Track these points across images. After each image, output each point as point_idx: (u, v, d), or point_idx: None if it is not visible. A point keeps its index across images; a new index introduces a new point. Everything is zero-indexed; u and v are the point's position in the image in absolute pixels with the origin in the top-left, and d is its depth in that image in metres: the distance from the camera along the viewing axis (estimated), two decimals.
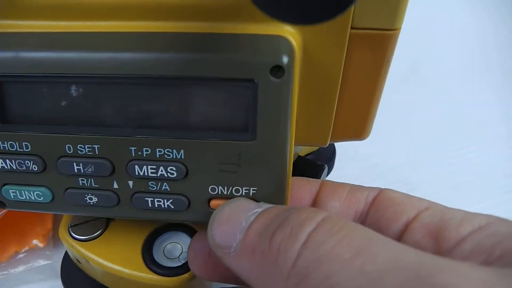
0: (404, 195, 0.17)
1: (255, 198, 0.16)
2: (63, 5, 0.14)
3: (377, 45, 0.15)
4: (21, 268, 0.27)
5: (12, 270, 0.27)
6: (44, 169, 0.16)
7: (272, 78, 0.14)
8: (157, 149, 0.15)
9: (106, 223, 0.22)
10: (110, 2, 0.14)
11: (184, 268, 0.21)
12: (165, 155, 0.15)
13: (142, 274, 0.21)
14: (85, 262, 0.22)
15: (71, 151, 0.16)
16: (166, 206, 0.16)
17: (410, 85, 0.41)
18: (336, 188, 0.18)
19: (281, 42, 0.14)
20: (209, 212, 0.16)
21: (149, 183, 0.16)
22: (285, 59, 0.13)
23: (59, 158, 0.16)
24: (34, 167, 0.16)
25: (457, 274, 0.11)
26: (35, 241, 0.28)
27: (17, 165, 0.16)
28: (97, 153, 0.16)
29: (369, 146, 0.24)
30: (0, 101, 0.15)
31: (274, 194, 0.16)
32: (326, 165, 0.28)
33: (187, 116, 0.15)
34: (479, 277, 0.11)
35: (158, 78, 0.14)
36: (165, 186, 0.16)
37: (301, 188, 0.19)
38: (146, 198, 0.16)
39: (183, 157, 0.15)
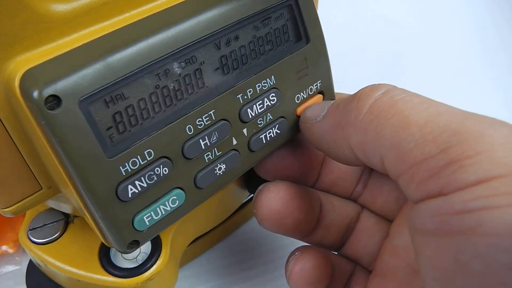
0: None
1: (322, 90, 0.20)
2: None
3: None
4: None
5: None
6: (172, 167, 0.16)
7: None
8: (257, 85, 0.18)
9: (64, 226, 0.22)
10: None
11: (142, 268, 0.21)
12: (263, 87, 0.18)
13: (98, 276, 0.20)
14: (44, 265, 0.22)
15: (192, 131, 0.17)
16: (275, 134, 0.19)
17: (394, 72, 0.41)
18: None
19: None
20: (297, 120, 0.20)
21: (258, 120, 0.18)
22: None
23: (183, 145, 0.16)
24: (165, 170, 0.16)
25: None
26: (4, 247, 0.28)
27: (147, 179, 0.16)
28: (214, 118, 0.17)
29: None
30: (109, 119, 0.14)
31: (330, 82, 0.21)
32: None
33: (265, 45, 0.18)
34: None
35: (237, 23, 0.17)
36: (269, 116, 0.19)
37: None
38: (260, 137, 0.19)
39: (275, 81, 0.18)
